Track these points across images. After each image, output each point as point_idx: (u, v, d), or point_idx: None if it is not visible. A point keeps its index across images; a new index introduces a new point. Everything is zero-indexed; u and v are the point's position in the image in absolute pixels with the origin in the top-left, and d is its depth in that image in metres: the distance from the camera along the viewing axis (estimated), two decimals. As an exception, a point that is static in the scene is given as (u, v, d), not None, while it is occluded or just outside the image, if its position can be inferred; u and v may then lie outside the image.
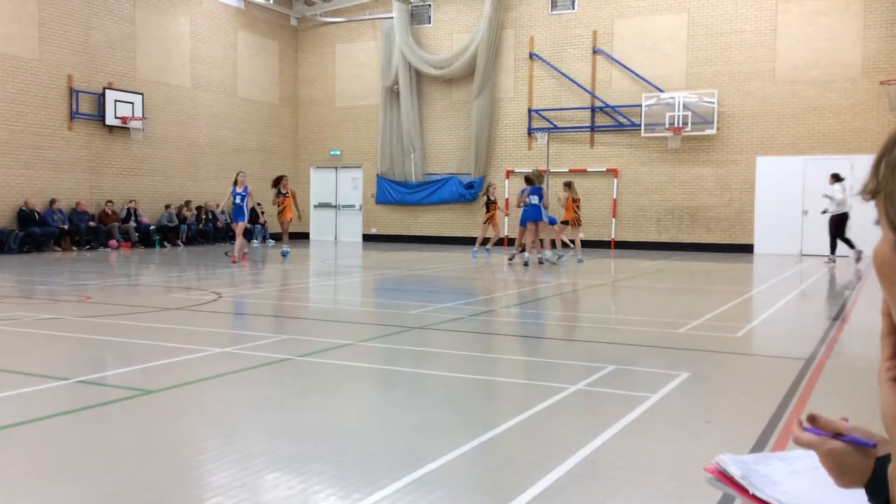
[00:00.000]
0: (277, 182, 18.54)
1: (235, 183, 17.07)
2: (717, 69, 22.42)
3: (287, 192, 18.36)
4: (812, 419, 1.13)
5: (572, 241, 19.17)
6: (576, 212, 18.24)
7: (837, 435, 1.11)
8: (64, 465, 3.95)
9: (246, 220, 17.24)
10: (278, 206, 18.41)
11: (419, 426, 4.76)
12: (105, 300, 10.51)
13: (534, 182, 16.78)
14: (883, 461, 1.06)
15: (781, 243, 21.83)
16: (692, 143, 22.77)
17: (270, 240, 25.26)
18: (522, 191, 17.05)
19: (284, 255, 18.35)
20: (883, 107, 20.69)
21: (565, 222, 18.41)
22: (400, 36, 25.80)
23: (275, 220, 20.02)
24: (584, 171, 24.09)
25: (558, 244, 19.04)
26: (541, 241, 18.23)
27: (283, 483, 3.70)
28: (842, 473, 1.09)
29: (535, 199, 16.87)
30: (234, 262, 16.87)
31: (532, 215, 16.73)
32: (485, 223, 19.88)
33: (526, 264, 16.83)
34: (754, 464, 1.23)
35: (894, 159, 0.94)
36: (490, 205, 19.60)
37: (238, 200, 16.86)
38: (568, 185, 18.54)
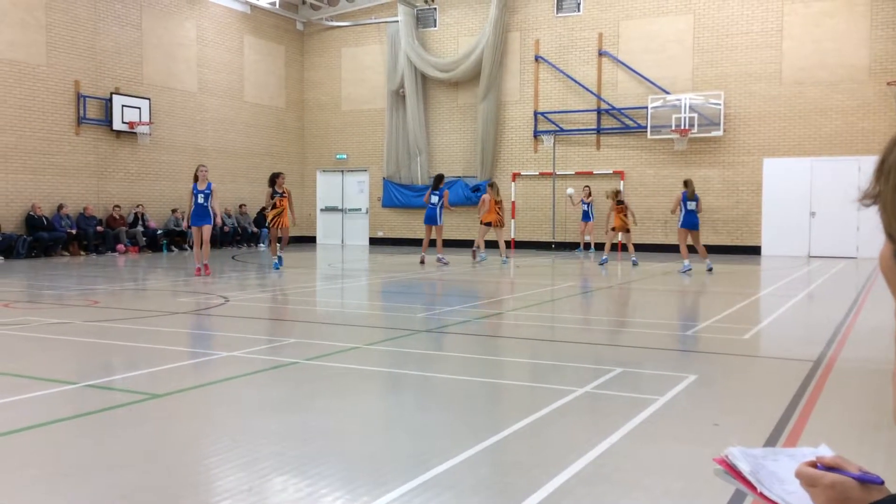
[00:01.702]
0: (273, 180, 15.93)
1: (196, 179, 14.55)
2: (723, 71, 22.38)
3: (284, 193, 15.84)
4: (821, 460, 1.12)
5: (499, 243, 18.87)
6: (498, 213, 18.23)
7: (842, 471, 1.09)
8: (72, 469, 3.96)
9: (213, 223, 14.75)
10: (273, 207, 15.80)
11: (426, 429, 4.76)
12: (113, 304, 10.54)
13: (688, 186, 16.32)
14: None
15: (789, 245, 21.77)
16: (699, 145, 22.73)
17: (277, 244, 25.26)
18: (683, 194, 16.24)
19: (276, 266, 15.95)
20: (890, 108, 20.62)
21: (487, 223, 18.32)
22: (405, 39, 25.84)
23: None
24: (590, 174, 24.07)
25: (481, 245, 18.74)
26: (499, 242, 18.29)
27: (291, 486, 3.70)
28: None
29: (434, 199, 17.78)
30: (198, 274, 14.43)
31: (428, 217, 17.93)
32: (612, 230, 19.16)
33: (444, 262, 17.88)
34: (763, 459, 1.23)
35: (889, 167, 0.94)
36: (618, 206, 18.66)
37: (201, 200, 14.48)
38: (490, 186, 18.66)
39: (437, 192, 17.98)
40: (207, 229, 14.54)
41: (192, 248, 23.10)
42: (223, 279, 14.71)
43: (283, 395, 5.61)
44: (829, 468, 1.10)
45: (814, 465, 1.12)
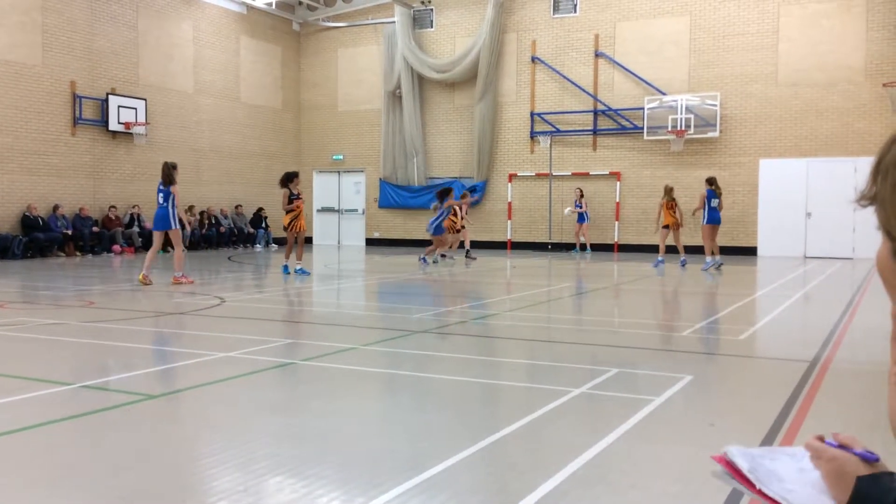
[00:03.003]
0: (289, 180, 14.68)
1: (171, 181, 13.05)
2: (719, 72, 22.42)
3: (300, 195, 14.83)
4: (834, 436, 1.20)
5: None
6: (451, 220, 18.33)
7: (845, 448, 1.16)
8: (68, 470, 3.95)
9: (177, 226, 13.17)
10: (292, 211, 14.61)
11: (422, 430, 4.75)
12: (108, 305, 10.52)
13: (713, 184, 16.98)
14: (863, 480, 1.09)
15: (785, 246, 21.81)
16: (695, 146, 22.76)
17: (274, 244, 25.29)
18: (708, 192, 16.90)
19: (300, 272, 14.76)
20: (886, 109, 20.67)
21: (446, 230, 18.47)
22: (402, 40, 25.83)
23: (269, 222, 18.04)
24: (586, 175, 24.09)
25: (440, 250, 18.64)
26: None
27: (287, 487, 3.70)
28: (838, 481, 1.12)
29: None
30: (176, 282, 13.07)
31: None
32: None
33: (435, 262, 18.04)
34: (761, 458, 1.24)
35: (886, 166, 0.95)
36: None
37: (161, 200, 13.13)
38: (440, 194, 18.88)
39: (440, 205, 17.89)
40: (177, 233, 13.31)
41: (188, 249, 23.03)
42: (219, 280, 14.68)
43: (279, 396, 5.61)
44: (841, 445, 1.16)
45: (822, 439, 1.19)
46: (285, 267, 15.20)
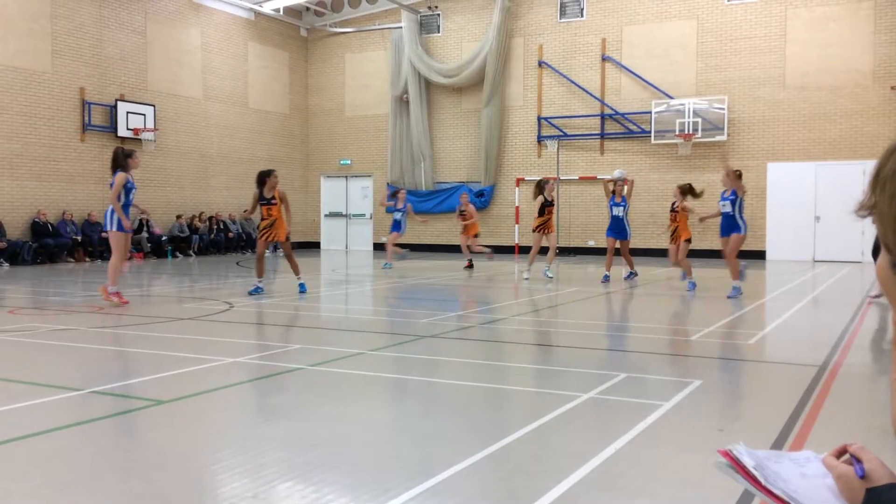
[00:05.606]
0: (263, 180, 12.51)
1: (128, 168, 11.00)
2: (726, 75, 22.38)
3: (275, 199, 12.37)
4: (845, 450, 1.24)
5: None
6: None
7: (855, 462, 1.20)
8: (78, 475, 3.97)
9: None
10: (262, 216, 12.46)
11: (431, 435, 4.75)
12: (118, 311, 10.55)
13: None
14: (874, 493, 1.12)
15: (793, 249, 21.74)
16: (702, 150, 22.72)
17: (282, 250, 25.30)
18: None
19: (255, 291, 12.46)
20: (894, 112, 20.59)
21: None
22: (409, 45, 25.89)
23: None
24: (593, 179, 24.06)
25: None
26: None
27: (296, 492, 3.70)
28: (850, 494, 1.17)
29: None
30: (123, 300, 10.79)
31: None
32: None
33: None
34: (766, 460, 1.25)
35: (884, 177, 0.95)
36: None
37: (133, 197, 11.17)
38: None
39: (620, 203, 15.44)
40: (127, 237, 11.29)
41: (196, 255, 23.14)
42: (228, 285, 14.69)
43: (287, 402, 5.62)
44: (854, 456, 1.21)
45: (842, 451, 1.23)
46: (255, 287, 12.72)
